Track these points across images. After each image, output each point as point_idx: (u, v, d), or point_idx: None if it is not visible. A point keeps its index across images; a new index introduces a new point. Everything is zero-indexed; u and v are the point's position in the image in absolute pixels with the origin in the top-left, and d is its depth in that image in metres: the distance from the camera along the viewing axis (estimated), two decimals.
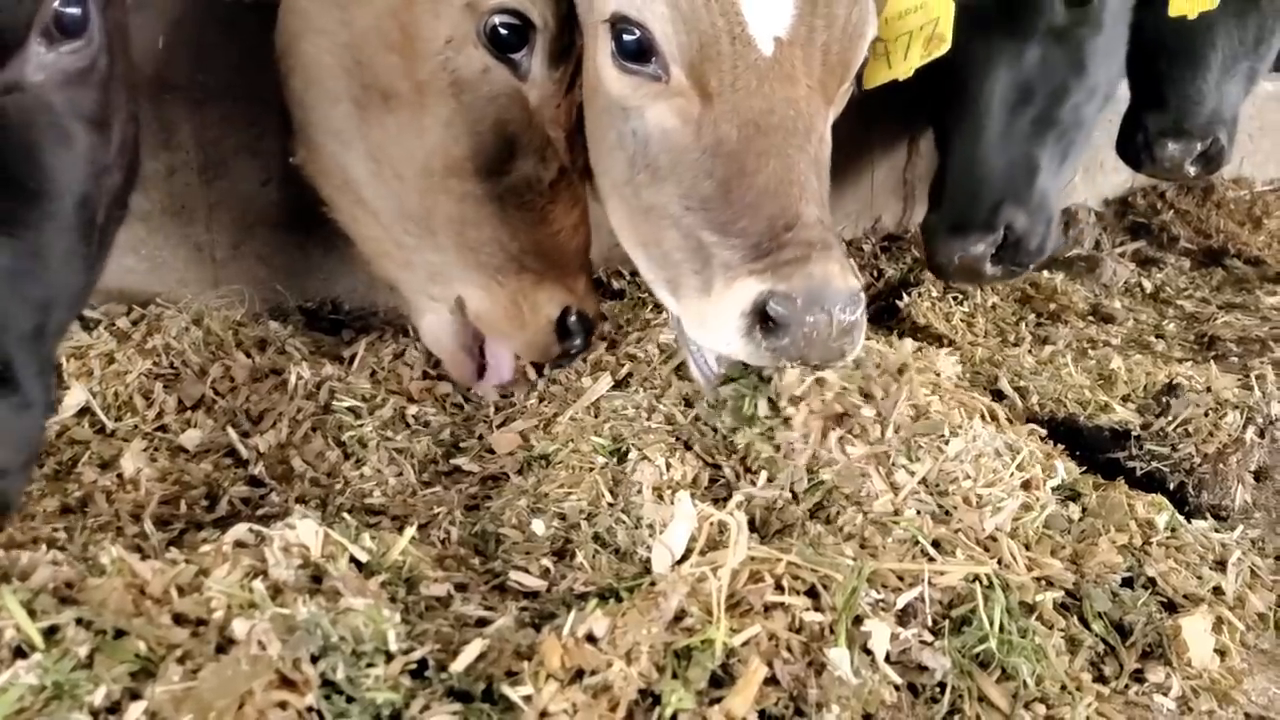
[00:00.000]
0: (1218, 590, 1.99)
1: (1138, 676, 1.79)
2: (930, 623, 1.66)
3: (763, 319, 1.91)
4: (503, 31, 2.22)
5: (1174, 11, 3.30)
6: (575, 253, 2.55)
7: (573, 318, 2.56)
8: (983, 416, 2.33)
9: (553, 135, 2.37)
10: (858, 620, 1.58)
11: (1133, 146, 3.78)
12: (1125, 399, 2.80)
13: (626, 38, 2.04)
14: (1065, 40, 3.15)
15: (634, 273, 3.64)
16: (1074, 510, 2.12)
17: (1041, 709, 1.61)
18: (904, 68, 2.69)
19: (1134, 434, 2.45)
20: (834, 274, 1.91)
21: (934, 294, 3.82)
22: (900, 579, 1.71)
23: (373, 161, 2.39)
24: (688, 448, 2.18)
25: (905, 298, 3.76)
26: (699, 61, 1.97)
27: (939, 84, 3.31)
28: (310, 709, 1.30)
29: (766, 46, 1.95)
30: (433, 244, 2.45)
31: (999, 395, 2.80)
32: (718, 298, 1.96)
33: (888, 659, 1.55)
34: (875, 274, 4.21)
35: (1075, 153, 3.41)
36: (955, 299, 3.82)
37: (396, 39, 2.24)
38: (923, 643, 1.61)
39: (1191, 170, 3.73)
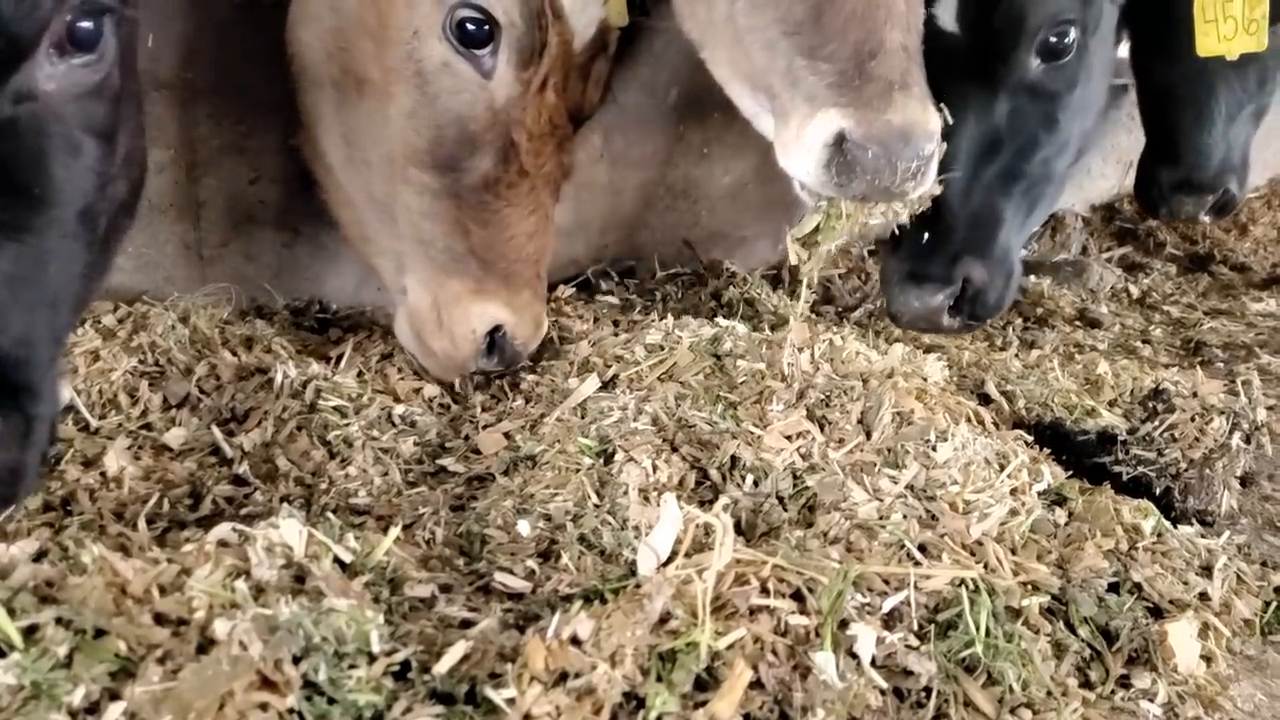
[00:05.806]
0: (1204, 596, 1.99)
1: (1124, 682, 1.79)
2: (916, 627, 1.66)
3: (840, 153, 1.96)
4: (469, 27, 2.25)
5: (1203, 52, 3.25)
6: (526, 262, 2.52)
7: (501, 335, 2.54)
8: (969, 420, 2.33)
9: (516, 139, 2.38)
10: (843, 624, 1.57)
11: (1150, 196, 3.87)
12: (1111, 404, 2.80)
13: None
14: (1038, 95, 3.05)
15: (622, 274, 3.63)
16: (1060, 515, 2.12)
17: (1027, 714, 1.62)
18: None
19: (1120, 439, 2.44)
20: (914, 119, 1.97)
21: None
22: (886, 583, 1.71)
23: (346, 145, 2.44)
24: (674, 449, 2.18)
25: None
26: None
27: None
28: (291, 710, 1.30)
29: None
30: (393, 232, 2.49)
31: (986, 399, 2.80)
32: (802, 126, 2.01)
33: (873, 663, 1.55)
34: (863, 277, 4.21)
35: (1043, 206, 3.33)
36: None
37: (373, 25, 2.28)
38: (908, 647, 1.61)
39: (1207, 220, 3.90)
